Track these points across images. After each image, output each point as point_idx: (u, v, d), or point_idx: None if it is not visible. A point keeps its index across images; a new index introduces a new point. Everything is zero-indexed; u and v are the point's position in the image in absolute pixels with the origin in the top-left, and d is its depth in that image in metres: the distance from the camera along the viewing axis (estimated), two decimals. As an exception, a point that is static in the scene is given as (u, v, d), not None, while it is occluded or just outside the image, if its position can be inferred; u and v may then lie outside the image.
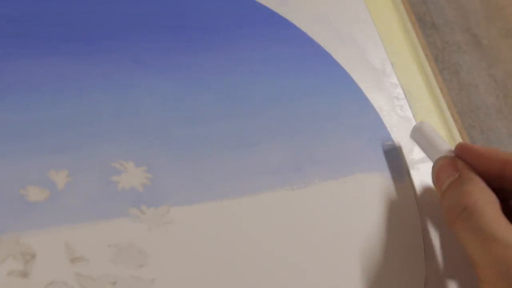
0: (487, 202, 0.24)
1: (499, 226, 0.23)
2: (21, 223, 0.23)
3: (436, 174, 0.28)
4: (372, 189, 0.31)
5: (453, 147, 0.28)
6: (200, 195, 0.27)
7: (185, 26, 0.31)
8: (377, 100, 0.35)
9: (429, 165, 0.30)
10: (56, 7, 0.28)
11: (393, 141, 0.33)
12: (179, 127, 0.28)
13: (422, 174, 0.32)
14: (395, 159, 0.32)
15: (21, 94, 0.25)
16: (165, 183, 0.26)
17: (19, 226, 0.23)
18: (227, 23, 0.32)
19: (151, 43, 0.29)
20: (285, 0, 0.35)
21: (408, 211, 0.31)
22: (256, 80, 0.31)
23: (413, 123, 0.35)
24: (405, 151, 0.34)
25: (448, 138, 0.37)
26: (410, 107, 0.36)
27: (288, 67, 0.33)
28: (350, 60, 0.35)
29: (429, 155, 0.30)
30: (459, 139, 0.37)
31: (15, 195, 0.23)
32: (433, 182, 0.29)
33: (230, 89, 0.30)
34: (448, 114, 0.38)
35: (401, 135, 0.34)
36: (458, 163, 0.27)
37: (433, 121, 0.37)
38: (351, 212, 0.30)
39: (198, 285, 0.25)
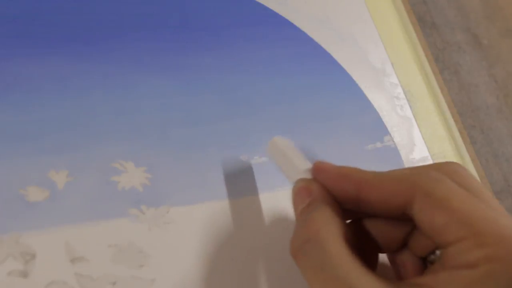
0: (330, 233, 0.21)
1: (341, 264, 0.20)
2: (21, 223, 0.23)
3: (293, 199, 0.24)
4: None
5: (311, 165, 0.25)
6: (200, 195, 0.27)
7: (185, 26, 0.31)
8: (377, 100, 0.35)
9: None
10: (56, 7, 0.28)
11: (393, 141, 0.33)
12: (179, 127, 0.28)
13: (422, 174, 0.32)
14: (394, 159, 0.32)
15: (21, 94, 0.25)
16: (165, 183, 0.26)
17: (19, 226, 0.23)
18: (227, 23, 0.32)
19: (151, 43, 0.29)
20: (285, 0, 0.35)
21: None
22: (256, 80, 0.31)
23: (413, 122, 0.35)
24: (405, 150, 0.34)
25: (448, 138, 0.37)
26: (410, 107, 0.36)
27: (288, 67, 0.33)
28: (350, 60, 0.35)
29: (287, 176, 0.26)
30: (459, 139, 0.37)
31: (15, 195, 0.23)
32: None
33: (230, 89, 0.30)
34: (448, 114, 0.38)
35: (401, 135, 0.34)
36: (313, 187, 0.24)
37: (433, 121, 0.37)
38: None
39: (198, 285, 0.25)
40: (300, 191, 0.24)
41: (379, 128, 0.33)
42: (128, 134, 0.27)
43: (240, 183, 0.28)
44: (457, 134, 0.37)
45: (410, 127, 0.35)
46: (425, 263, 0.23)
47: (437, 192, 0.21)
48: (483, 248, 0.19)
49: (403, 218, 0.22)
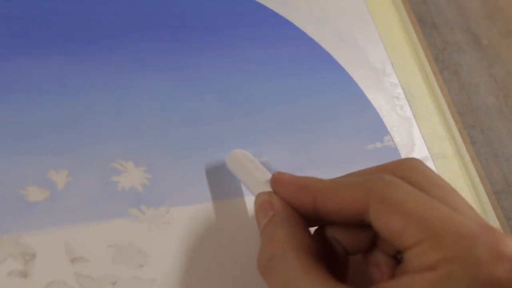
0: (294, 247, 0.21)
1: (307, 277, 0.20)
2: (21, 223, 0.23)
3: (255, 214, 0.24)
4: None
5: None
6: (199, 195, 0.27)
7: (185, 26, 0.31)
8: (377, 100, 0.35)
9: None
10: (56, 7, 0.28)
11: (393, 141, 0.33)
12: (179, 127, 0.28)
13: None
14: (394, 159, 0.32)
15: (21, 94, 0.25)
16: (164, 183, 0.26)
17: (19, 226, 0.23)
18: (227, 23, 0.32)
19: (151, 43, 0.29)
20: (285, 0, 0.35)
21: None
22: (256, 80, 0.31)
23: (413, 122, 0.35)
24: (405, 150, 0.34)
25: (448, 138, 0.37)
26: (410, 107, 0.36)
27: (288, 67, 0.33)
28: (350, 60, 0.35)
29: (249, 188, 0.26)
30: (459, 139, 0.37)
31: (15, 195, 0.23)
32: None
33: (230, 89, 0.30)
34: (448, 114, 0.38)
35: (401, 135, 0.34)
36: (274, 200, 0.24)
37: (433, 121, 0.37)
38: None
39: (198, 285, 0.25)
40: (262, 205, 0.24)
41: (379, 128, 0.33)
42: (128, 134, 0.27)
43: (240, 182, 0.28)
44: (457, 134, 0.37)
45: (410, 127, 0.35)
46: (398, 260, 0.23)
47: (391, 197, 0.20)
48: (440, 249, 0.19)
49: (363, 224, 0.22)
